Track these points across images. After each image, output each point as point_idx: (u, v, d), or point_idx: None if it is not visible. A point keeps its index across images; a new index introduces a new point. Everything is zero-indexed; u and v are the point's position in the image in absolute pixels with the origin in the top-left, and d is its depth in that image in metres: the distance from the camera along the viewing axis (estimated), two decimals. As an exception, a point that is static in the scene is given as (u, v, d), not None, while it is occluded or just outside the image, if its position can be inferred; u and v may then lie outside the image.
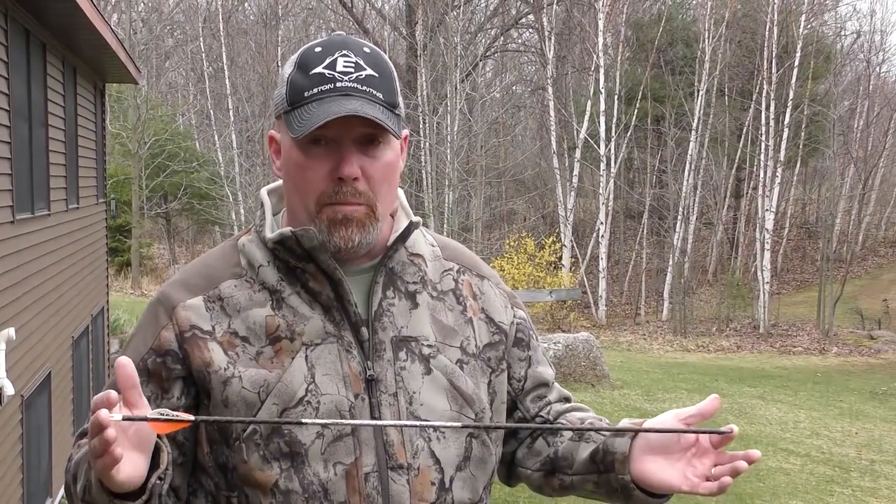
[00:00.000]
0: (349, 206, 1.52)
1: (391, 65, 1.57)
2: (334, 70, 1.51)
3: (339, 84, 1.50)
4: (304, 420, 1.40)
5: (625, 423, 1.57)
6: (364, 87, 1.50)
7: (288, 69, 1.56)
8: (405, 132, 1.61)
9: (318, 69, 1.51)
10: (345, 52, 1.53)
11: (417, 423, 1.52)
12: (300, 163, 1.53)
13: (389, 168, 1.55)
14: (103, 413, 1.27)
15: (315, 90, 1.50)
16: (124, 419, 1.30)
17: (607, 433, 1.59)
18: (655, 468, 1.51)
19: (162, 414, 1.31)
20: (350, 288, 1.56)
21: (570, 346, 15.43)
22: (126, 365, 1.33)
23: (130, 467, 1.32)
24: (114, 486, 1.33)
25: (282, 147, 1.58)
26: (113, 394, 1.29)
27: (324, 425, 1.48)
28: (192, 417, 1.33)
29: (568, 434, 1.67)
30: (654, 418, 1.53)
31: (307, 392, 1.50)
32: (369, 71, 1.52)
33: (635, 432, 1.52)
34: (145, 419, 1.31)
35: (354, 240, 1.53)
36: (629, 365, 19.52)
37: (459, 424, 1.50)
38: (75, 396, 11.07)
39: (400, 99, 1.56)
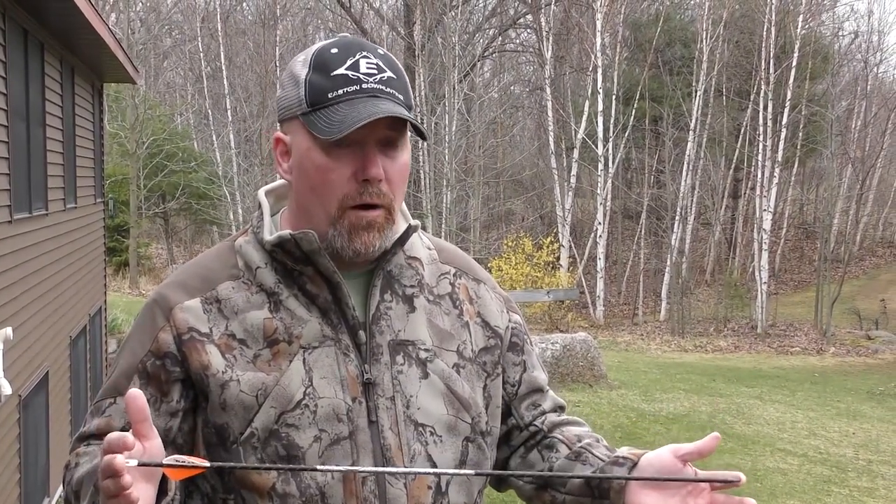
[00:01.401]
0: (373, 212, 1.52)
1: (402, 68, 1.58)
2: (358, 71, 1.50)
3: (364, 85, 1.49)
4: (318, 467, 1.41)
5: (624, 451, 1.56)
6: (388, 89, 1.51)
7: (301, 70, 1.53)
8: None
9: (341, 70, 1.50)
10: (365, 53, 1.52)
11: (428, 470, 1.51)
12: (322, 164, 1.51)
13: (406, 169, 1.56)
14: (119, 459, 1.26)
15: (340, 91, 1.49)
16: (140, 465, 1.29)
17: (605, 460, 1.57)
18: (650, 502, 1.49)
19: (177, 460, 1.31)
20: (348, 291, 1.56)
21: (567, 347, 15.44)
22: (137, 397, 1.31)
23: (140, 502, 1.32)
24: None
25: (295, 149, 1.55)
26: (129, 438, 1.28)
27: (337, 471, 1.47)
28: (207, 463, 1.32)
29: (564, 451, 1.65)
30: (651, 452, 1.51)
31: (305, 395, 1.50)
32: (389, 73, 1.52)
33: (641, 479, 1.48)
34: (161, 465, 1.31)
35: (375, 245, 1.54)
36: (627, 365, 19.53)
37: (473, 472, 1.51)
38: (73, 396, 11.08)
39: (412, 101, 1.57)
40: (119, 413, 1.53)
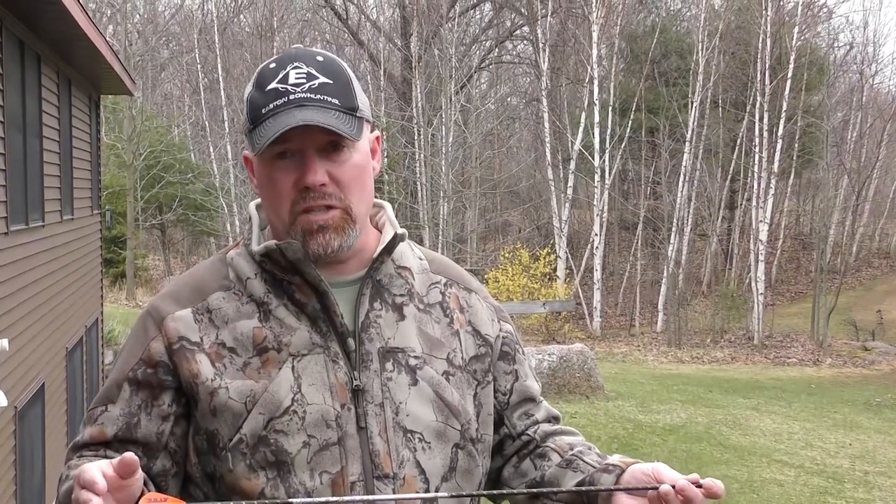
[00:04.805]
0: (323, 215, 1.54)
1: (347, 70, 1.59)
2: (287, 83, 1.52)
3: (292, 96, 1.51)
4: (292, 501, 1.42)
5: (615, 459, 1.58)
6: (317, 96, 1.51)
7: (248, 89, 1.58)
8: (375, 133, 1.64)
9: (272, 84, 1.53)
10: (296, 63, 1.54)
11: (424, 495, 1.53)
12: (269, 177, 1.55)
13: (358, 170, 1.56)
14: (95, 502, 1.28)
15: (270, 106, 1.52)
16: None
17: (595, 466, 1.58)
18: None
19: (151, 501, 1.31)
20: (336, 299, 1.57)
21: (564, 358, 15.45)
22: (131, 461, 1.30)
23: None
24: None
25: (254, 165, 1.61)
26: (101, 485, 1.29)
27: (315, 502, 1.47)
28: None
29: (556, 459, 1.67)
30: (639, 465, 1.51)
31: (293, 402, 1.51)
32: (322, 79, 1.53)
33: (626, 489, 1.49)
34: None
35: (333, 245, 1.55)
36: (624, 376, 19.53)
37: (465, 493, 1.52)
38: (69, 408, 11.06)
39: (360, 102, 1.57)
40: (111, 420, 1.56)
